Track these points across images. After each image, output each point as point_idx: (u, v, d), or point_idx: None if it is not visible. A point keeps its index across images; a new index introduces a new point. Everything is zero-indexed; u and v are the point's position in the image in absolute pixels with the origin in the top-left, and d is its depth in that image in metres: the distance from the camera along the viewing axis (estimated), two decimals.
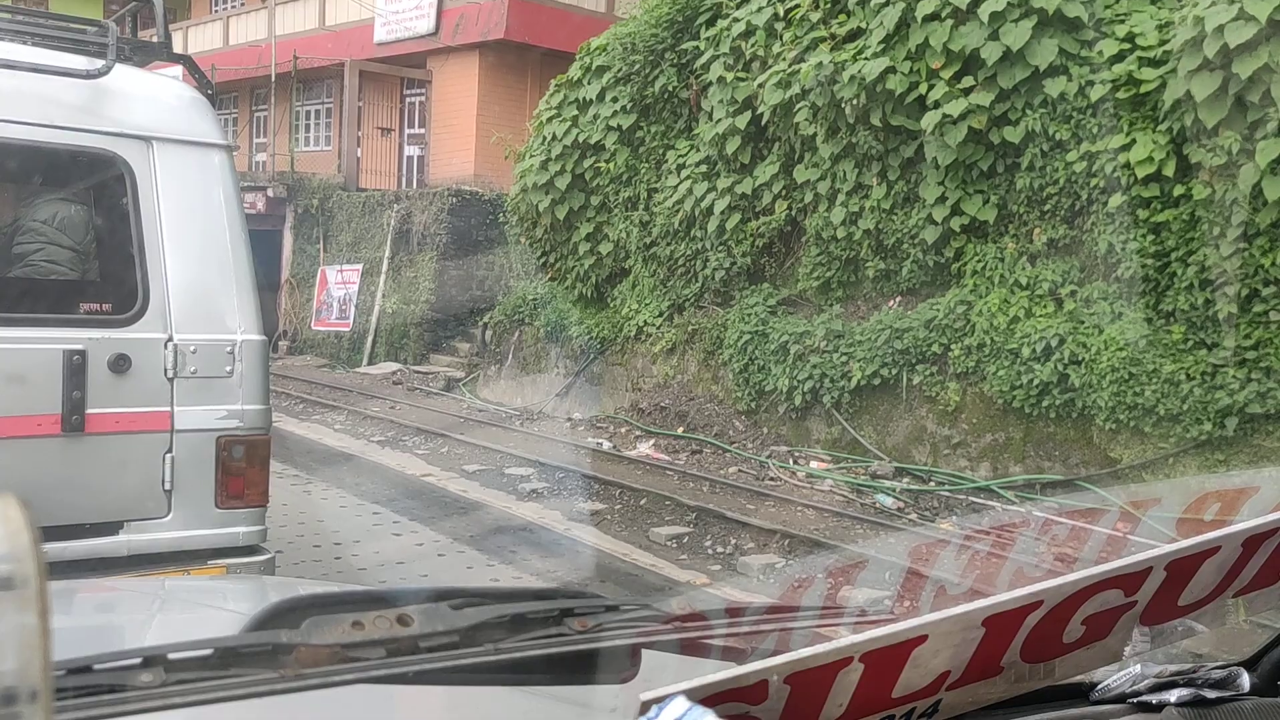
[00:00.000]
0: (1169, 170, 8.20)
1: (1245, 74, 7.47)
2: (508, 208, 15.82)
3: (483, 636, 0.99)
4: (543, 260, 14.75)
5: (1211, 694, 1.22)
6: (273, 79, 23.54)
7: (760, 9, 11.39)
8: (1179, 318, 8.29)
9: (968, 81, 9.34)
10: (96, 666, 0.87)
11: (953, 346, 9.52)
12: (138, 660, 0.87)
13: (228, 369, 3.78)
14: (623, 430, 11.47)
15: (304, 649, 0.92)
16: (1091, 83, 8.81)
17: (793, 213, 11.35)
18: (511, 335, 14.96)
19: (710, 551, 7.70)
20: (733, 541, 7.80)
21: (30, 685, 0.60)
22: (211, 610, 1.90)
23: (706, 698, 0.85)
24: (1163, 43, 8.39)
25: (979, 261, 9.63)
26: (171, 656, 0.88)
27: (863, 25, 10.28)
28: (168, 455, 3.70)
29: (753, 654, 1.12)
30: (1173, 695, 1.21)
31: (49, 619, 0.61)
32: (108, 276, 3.89)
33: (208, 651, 0.90)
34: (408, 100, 22.90)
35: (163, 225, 3.69)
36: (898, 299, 10.47)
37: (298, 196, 21.16)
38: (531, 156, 14.26)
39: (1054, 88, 8.98)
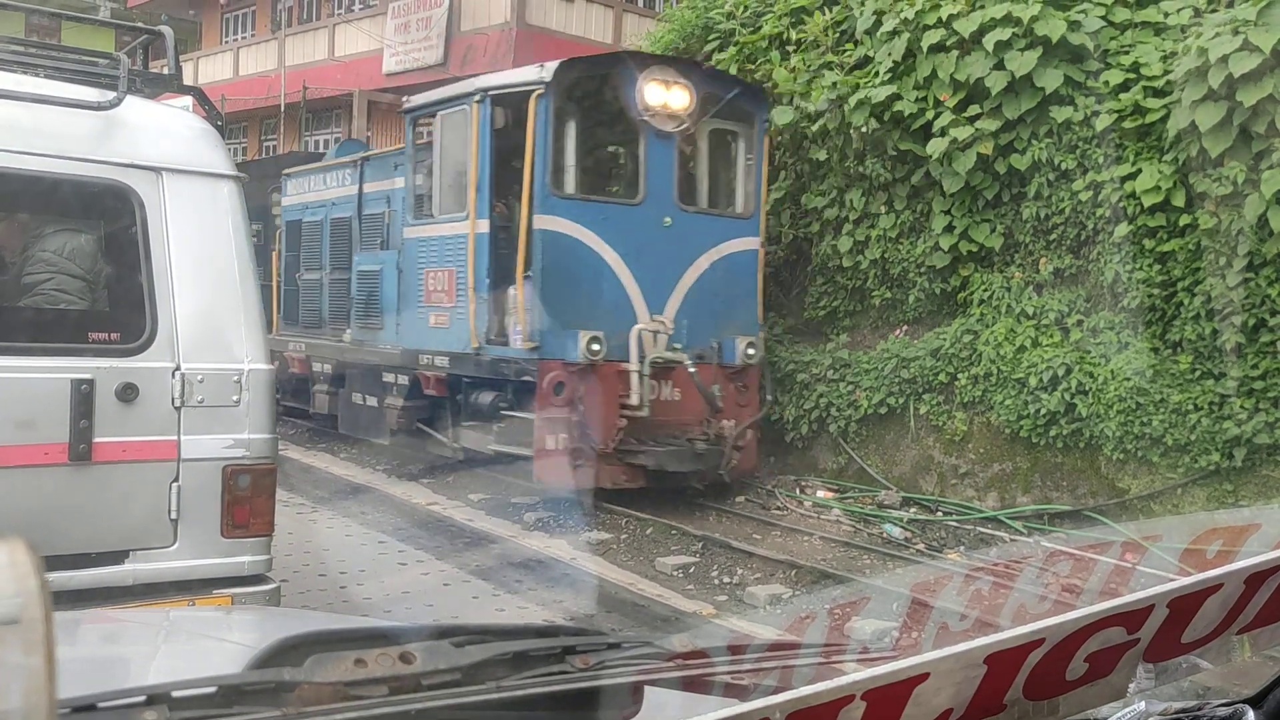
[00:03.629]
0: (1178, 200, 8.21)
1: (1249, 103, 7.49)
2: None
3: (485, 674, 1.00)
4: None
5: None
6: (282, 109, 23.71)
7: (770, 36, 11.47)
8: (1186, 348, 8.27)
9: (974, 110, 9.37)
10: (101, 705, 0.87)
11: (959, 375, 9.51)
12: (142, 699, 0.87)
13: (235, 398, 3.80)
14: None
15: (307, 687, 0.92)
16: (1097, 112, 8.84)
17: (799, 241, 11.38)
18: None
19: (717, 582, 7.67)
20: (739, 572, 7.76)
21: None
22: (216, 643, 1.90)
23: None
24: (1167, 73, 8.42)
25: (985, 290, 9.63)
26: (175, 695, 0.88)
27: (870, 54, 10.34)
28: (174, 484, 3.70)
29: (755, 691, 1.11)
30: None
31: (54, 659, 0.61)
32: (116, 306, 3.91)
33: (211, 690, 0.90)
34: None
35: (171, 255, 3.71)
36: (904, 328, 10.47)
37: None
38: None
39: (1060, 114, 9.02)
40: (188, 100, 4.78)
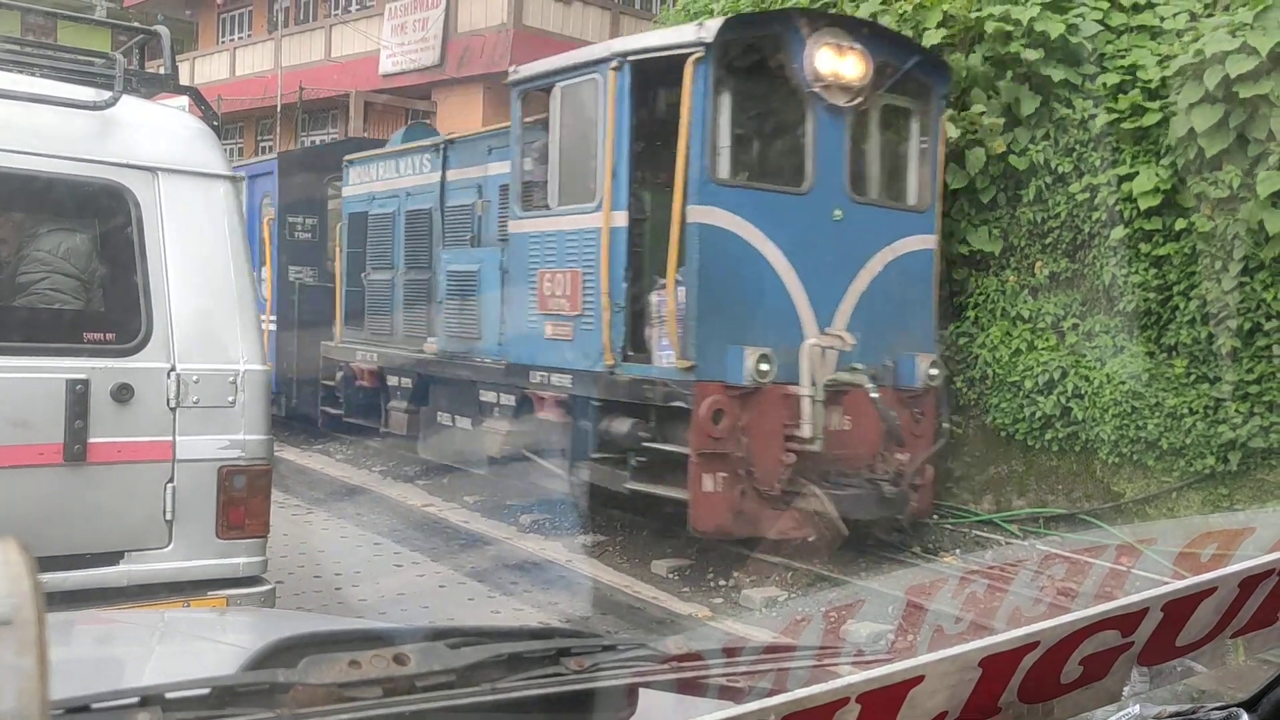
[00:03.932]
0: (1184, 200, 8.19)
1: (1245, 95, 7.49)
2: None
3: (479, 676, 0.99)
4: None
5: None
6: (278, 110, 23.69)
7: None
8: (1181, 351, 8.28)
9: (978, 106, 9.36)
10: (94, 706, 0.87)
11: (955, 379, 9.52)
12: (135, 700, 0.87)
13: (230, 399, 3.79)
14: None
15: (301, 688, 0.92)
16: (1094, 115, 8.85)
17: None
18: None
19: (712, 584, 7.67)
20: (734, 574, 7.76)
21: None
22: (210, 644, 1.90)
23: None
24: (1163, 77, 8.43)
25: (980, 294, 9.64)
26: (169, 696, 0.88)
27: None
28: (169, 485, 3.70)
29: (750, 694, 1.11)
30: None
31: (47, 661, 0.61)
32: (111, 306, 3.90)
33: (205, 691, 0.90)
34: None
35: (167, 255, 3.71)
36: None
37: None
38: None
39: (1059, 113, 9.04)
40: (184, 100, 4.78)
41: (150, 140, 3.79)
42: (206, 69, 27.55)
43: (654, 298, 7.85)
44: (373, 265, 11.78)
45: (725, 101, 7.68)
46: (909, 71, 8.35)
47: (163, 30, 4.43)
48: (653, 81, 8.19)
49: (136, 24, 6.48)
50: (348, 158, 12.64)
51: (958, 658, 0.98)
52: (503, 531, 8.85)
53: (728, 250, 7.59)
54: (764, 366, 7.31)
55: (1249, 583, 1.11)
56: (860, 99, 8.07)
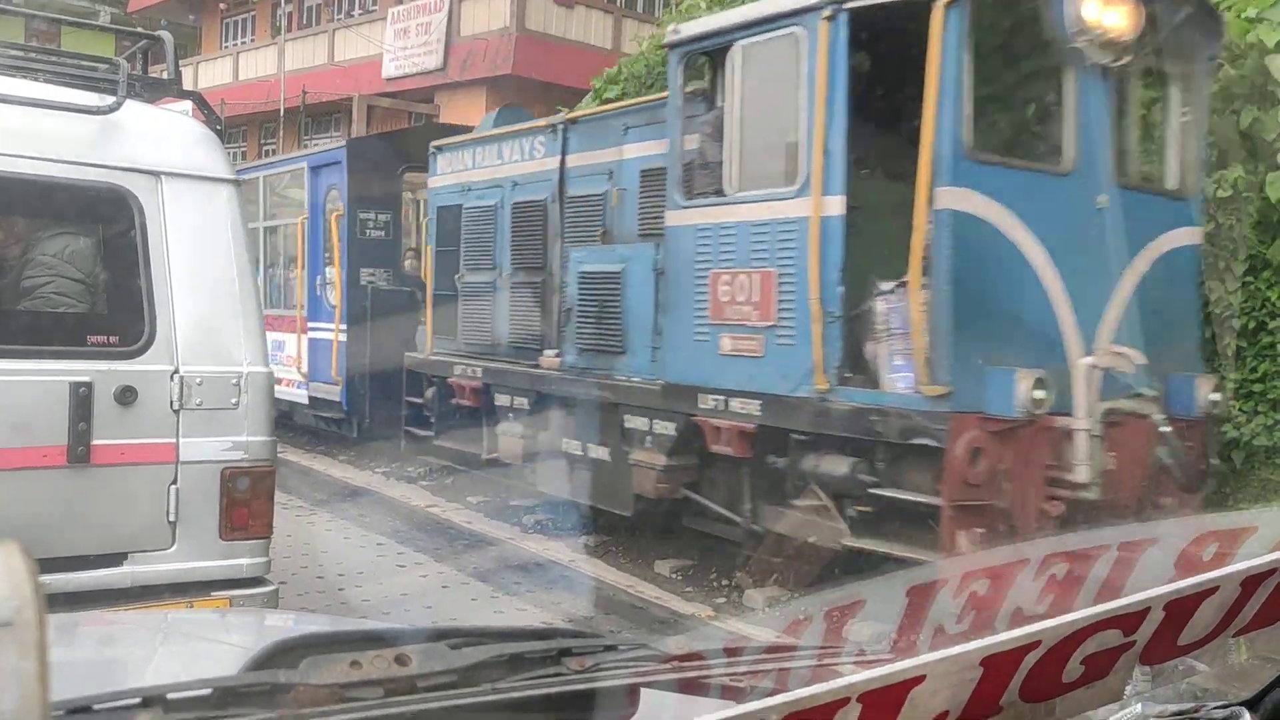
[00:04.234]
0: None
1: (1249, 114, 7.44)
2: None
3: (480, 676, 1.00)
4: None
5: None
6: (281, 114, 23.74)
7: None
8: None
9: None
10: (96, 707, 0.87)
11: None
12: (137, 700, 0.87)
13: (233, 401, 3.80)
14: None
15: (302, 689, 0.92)
16: None
17: None
18: None
19: (715, 584, 7.67)
20: (737, 574, 7.76)
21: None
22: (213, 645, 1.90)
23: None
24: None
25: None
26: (170, 697, 0.88)
27: None
28: (172, 487, 3.71)
29: (751, 693, 1.12)
30: None
31: (48, 662, 0.62)
32: (115, 309, 3.91)
33: (206, 692, 0.90)
34: None
35: (170, 259, 3.72)
36: None
37: None
38: None
39: None
40: (187, 105, 4.79)
41: (153, 145, 3.80)
42: (210, 74, 27.61)
43: (880, 305, 6.22)
44: (468, 266, 10.05)
45: (978, 60, 6.12)
46: (1179, 25, 6.71)
47: (166, 35, 4.44)
48: (876, 34, 6.60)
49: (140, 29, 6.50)
50: (435, 144, 10.87)
51: (959, 657, 0.98)
52: (506, 532, 8.85)
53: (984, 244, 6.02)
54: (1040, 394, 5.77)
55: (1251, 582, 1.11)
56: (1127, 57, 6.50)
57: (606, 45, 21.32)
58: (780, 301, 6.52)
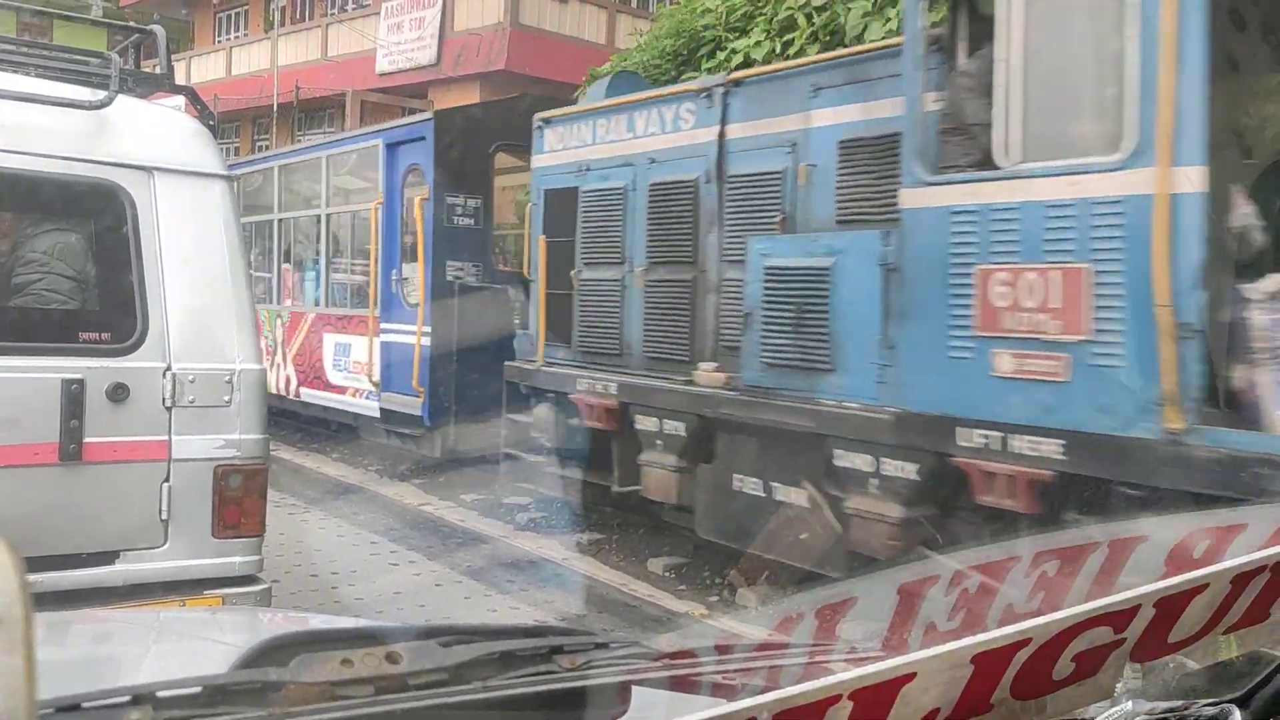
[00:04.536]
0: None
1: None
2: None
3: (472, 674, 1.00)
4: None
5: None
6: (274, 109, 23.68)
7: (758, 42, 11.48)
8: None
9: None
10: (85, 705, 0.87)
11: None
12: (126, 698, 0.87)
13: (226, 398, 3.80)
14: None
15: (293, 687, 0.92)
16: None
17: None
18: None
19: (708, 582, 7.68)
20: (730, 572, 7.77)
21: None
22: (205, 643, 1.90)
23: None
24: None
25: None
26: (160, 695, 0.88)
27: None
28: (165, 485, 3.70)
29: (743, 691, 1.12)
30: None
31: (35, 659, 0.61)
32: (107, 306, 3.90)
33: (196, 690, 0.90)
34: None
35: (163, 255, 3.72)
36: None
37: None
38: None
39: None
40: (180, 100, 4.78)
41: (146, 140, 3.79)
42: (203, 68, 27.53)
43: (1261, 317, 4.69)
44: (588, 260, 8.42)
45: None
46: None
47: (158, 29, 4.43)
48: None
49: (132, 23, 6.48)
50: (542, 116, 9.14)
51: (949, 655, 0.98)
52: (499, 530, 8.85)
53: None
54: None
55: (1241, 579, 1.12)
56: None
57: (600, 40, 21.30)
58: (1098, 308, 4.90)
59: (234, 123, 26.48)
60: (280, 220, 13.51)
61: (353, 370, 11.43)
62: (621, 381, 7.75)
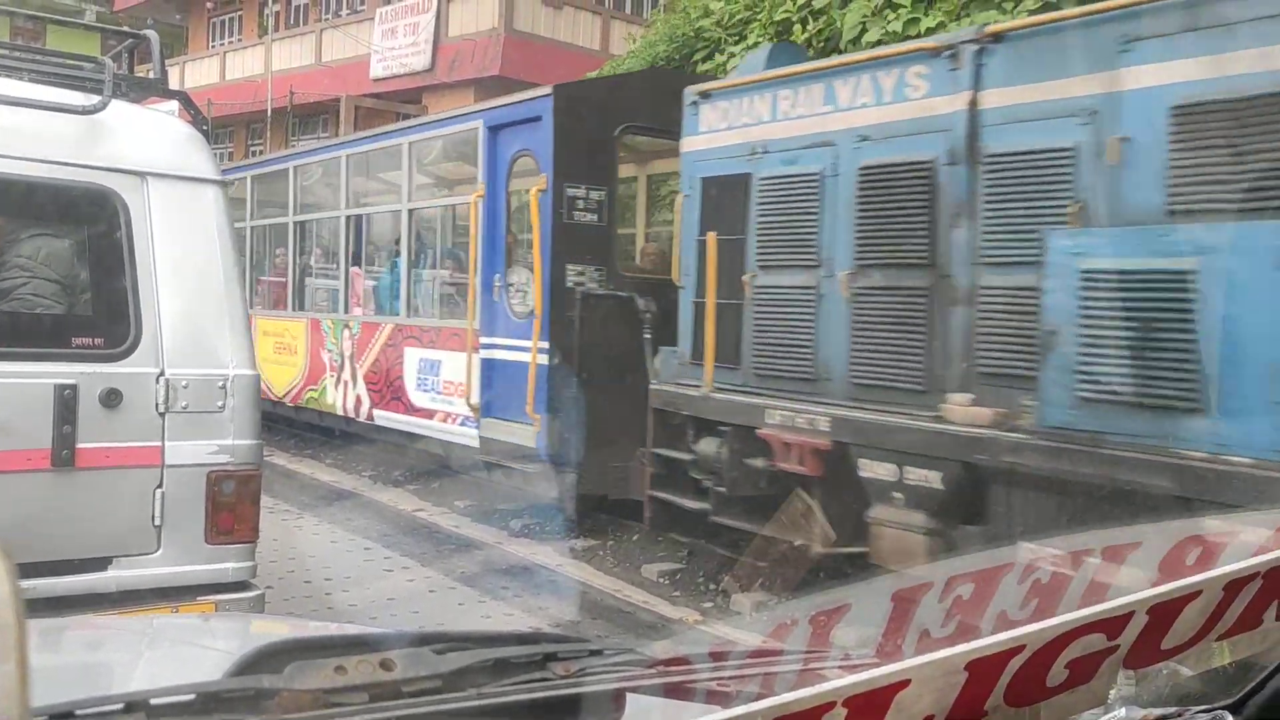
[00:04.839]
0: None
1: None
2: None
3: (465, 681, 1.00)
4: None
5: None
6: (268, 114, 23.67)
7: (755, 44, 11.52)
8: None
9: None
10: (78, 712, 0.87)
11: None
12: (119, 705, 0.87)
13: (219, 404, 3.79)
14: None
15: (286, 694, 0.92)
16: None
17: None
18: None
19: (702, 588, 7.67)
20: (724, 578, 7.77)
21: None
22: (198, 650, 1.89)
23: None
24: None
25: None
26: (154, 702, 0.88)
27: None
28: (158, 490, 3.69)
29: (737, 698, 1.12)
30: None
31: (28, 665, 0.61)
32: (100, 311, 3.90)
33: (190, 697, 0.90)
34: None
35: (156, 260, 3.71)
36: None
37: None
38: None
39: None
40: (173, 105, 4.77)
41: (139, 145, 3.79)
42: (196, 73, 27.52)
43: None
44: (766, 263, 6.90)
45: None
46: None
47: (152, 34, 4.43)
48: None
49: (126, 28, 6.47)
50: (699, 89, 7.61)
51: (943, 661, 0.98)
52: (493, 536, 8.83)
53: None
54: None
55: (1234, 585, 1.12)
56: None
57: (594, 46, 21.33)
58: None
59: (228, 128, 26.47)
60: (349, 217, 11.57)
61: (443, 391, 9.76)
62: (836, 415, 6.19)
